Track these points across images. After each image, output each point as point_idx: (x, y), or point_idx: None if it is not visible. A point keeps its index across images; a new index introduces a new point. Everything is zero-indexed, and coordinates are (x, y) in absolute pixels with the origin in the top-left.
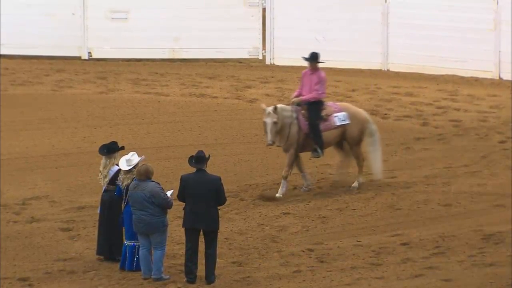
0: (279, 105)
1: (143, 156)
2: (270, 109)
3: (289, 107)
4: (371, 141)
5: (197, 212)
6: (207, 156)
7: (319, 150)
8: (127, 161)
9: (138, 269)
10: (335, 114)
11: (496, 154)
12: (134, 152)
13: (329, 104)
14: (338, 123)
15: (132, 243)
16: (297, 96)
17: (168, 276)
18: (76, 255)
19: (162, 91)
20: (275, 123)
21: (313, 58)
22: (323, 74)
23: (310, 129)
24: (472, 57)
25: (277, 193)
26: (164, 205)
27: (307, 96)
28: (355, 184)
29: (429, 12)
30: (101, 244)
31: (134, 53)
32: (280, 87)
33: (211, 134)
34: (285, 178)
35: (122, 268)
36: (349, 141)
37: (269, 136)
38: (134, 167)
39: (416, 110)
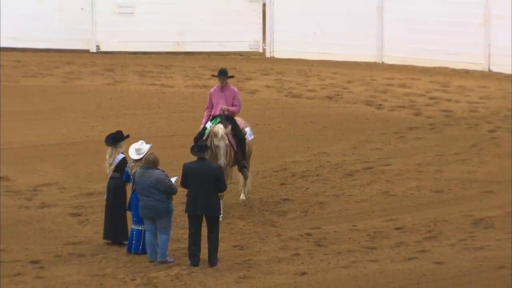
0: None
1: (151, 144)
2: (222, 132)
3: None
4: None
5: (198, 199)
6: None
7: (246, 166)
8: (136, 150)
9: (144, 252)
10: (245, 130)
11: (485, 143)
12: (143, 141)
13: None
14: (250, 138)
15: (139, 228)
16: (209, 119)
17: (172, 259)
18: (85, 239)
19: (167, 83)
20: (226, 145)
21: (224, 73)
22: (235, 88)
23: (238, 145)
24: (463, 50)
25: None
26: (169, 191)
27: (234, 109)
28: (243, 196)
29: (422, 7)
30: (107, 228)
31: (140, 46)
32: (279, 78)
33: None
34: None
35: (129, 251)
36: (248, 156)
37: (223, 158)
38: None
39: (409, 100)
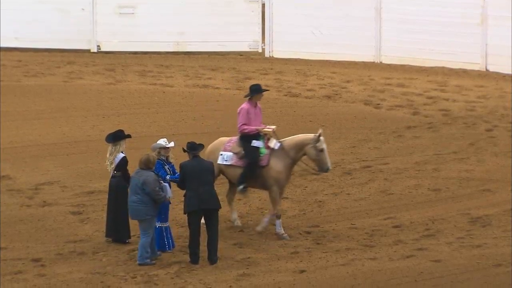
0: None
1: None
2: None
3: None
4: None
5: (202, 194)
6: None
7: None
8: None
9: (163, 248)
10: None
11: (483, 142)
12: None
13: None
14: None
15: (160, 226)
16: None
17: (154, 262)
18: (85, 237)
19: (167, 82)
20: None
21: (259, 91)
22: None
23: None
24: (460, 50)
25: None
26: (152, 195)
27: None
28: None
29: (419, 7)
30: (109, 226)
31: (141, 46)
32: (278, 78)
33: (213, 123)
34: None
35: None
36: None
37: (329, 162)
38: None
39: (407, 100)
